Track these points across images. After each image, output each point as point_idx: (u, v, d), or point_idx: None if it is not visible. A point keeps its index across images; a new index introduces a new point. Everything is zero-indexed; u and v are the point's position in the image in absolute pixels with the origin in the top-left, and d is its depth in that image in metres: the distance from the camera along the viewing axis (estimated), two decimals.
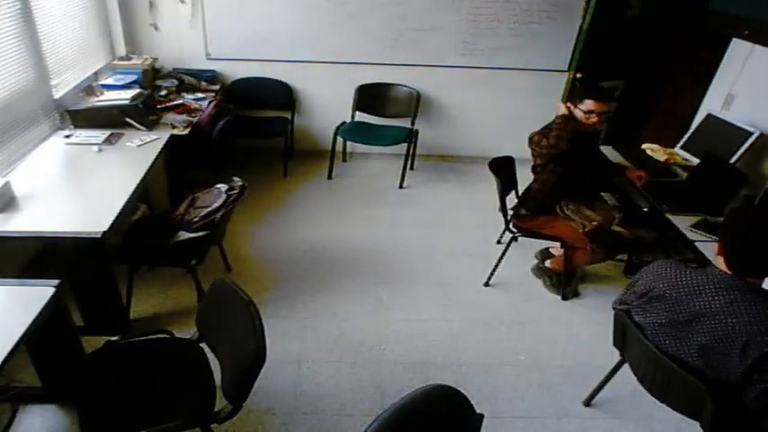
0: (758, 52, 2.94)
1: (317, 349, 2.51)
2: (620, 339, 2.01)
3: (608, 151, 3.17)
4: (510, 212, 2.89)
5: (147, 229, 2.63)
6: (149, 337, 1.91)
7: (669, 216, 2.49)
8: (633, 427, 2.22)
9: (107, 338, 1.88)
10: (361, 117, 4.22)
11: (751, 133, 2.79)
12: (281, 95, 4.14)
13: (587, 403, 2.32)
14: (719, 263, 1.64)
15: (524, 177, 4.37)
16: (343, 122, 4.10)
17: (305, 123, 4.34)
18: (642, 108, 4.17)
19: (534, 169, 2.83)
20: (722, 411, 1.61)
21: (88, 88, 3.20)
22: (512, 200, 3.01)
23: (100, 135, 2.89)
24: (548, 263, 3.05)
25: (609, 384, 2.39)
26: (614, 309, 1.97)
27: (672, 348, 1.71)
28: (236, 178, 2.55)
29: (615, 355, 2.57)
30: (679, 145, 3.17)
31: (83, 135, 2.90)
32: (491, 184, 4.22)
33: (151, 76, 3.64)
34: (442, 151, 4.55)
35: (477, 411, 1.42)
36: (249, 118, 4.13)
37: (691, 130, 3.18)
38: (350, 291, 2.91)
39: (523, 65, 4.11)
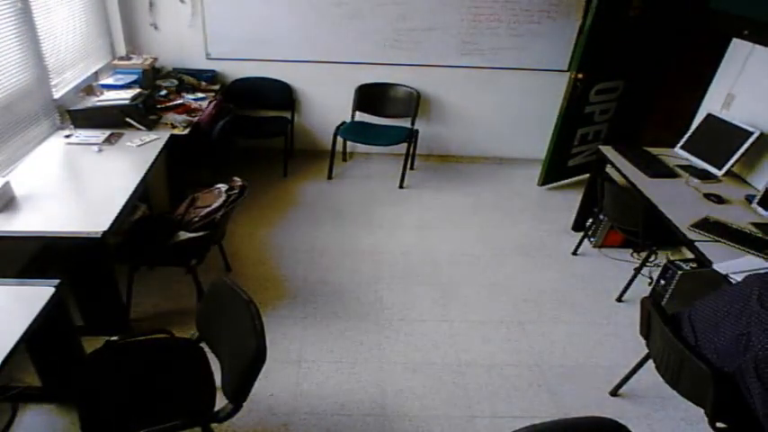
0: (758, 52, 2.93)
1: (316, 349, 2.51)
2: (646, 327, 2.05)
3: (608, 151, 3.18)
4: None
5: (147, 229, 2.63)
6: (149, 337, 1.91)
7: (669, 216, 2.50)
8: (633, 426, 2.22)
9: (107, 338, 1.88)
10: (361, 117, 4.22)
11: (751, 133, 2.79)
12: (281, 95, 4.14)
13: (614, 393, 2.35)
14: None
15: (521, 178, 4.37)
16: (343, 122, 4.10)
17: (305, 123, 4.34)
18: (642, 108, 4.17)
19: None
20: (725, 398, 1.66)
21: (88, 88, 3.20)
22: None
23: (100, 135, 2.90)
24: None
25: (609, 386, 2.40)
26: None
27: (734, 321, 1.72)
28: (236, 178, 2.56)
29: (616, 356, 2.58)
30: (679, 145, 3.17)
31: (83, 135, 2.90)
32: (491, 183, 4.25)
33: (151, 76, 3.64)
34: (442, 151, 4.55)
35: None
36: (249, 118, 4.13)
37: (691, 131, 3.18)
38: (350, 291, 2.91)
39: (523, 65, 4.11)
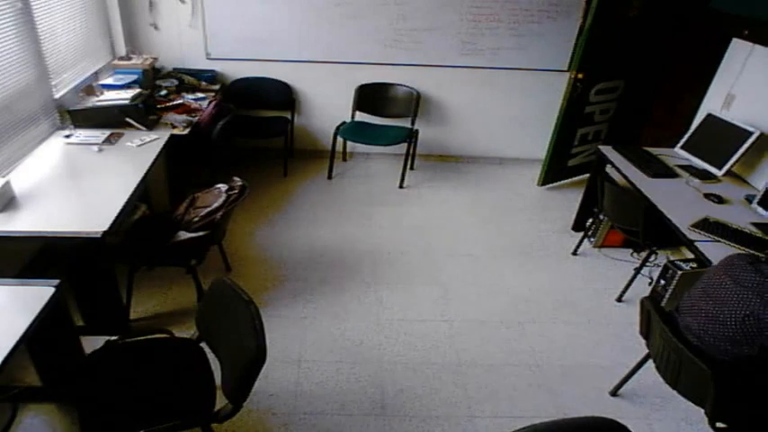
0: (758, 52, 2.94)
1: (316, 349, 2.51)
2: (645, 327, 2.06)
3: (608, 151, 3.17)
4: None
5: (147, 229, 2.63)
6: (149, 337, 1.91)
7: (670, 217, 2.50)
8: (633, 426, 2.22)
9: (107, 338, 1.88)
10: (361, 117, 4.22)
11: (751, 133, 2.80)
12: (281, 95, 4.14)
13: (614, 393, 2.36)
14: None
15: (521, 178, 4.37)
16: (343, 122, 4.10)
17: (305, 123, 4.34)
18: (642, 108, 4.17)
19: None
20: (724, 396, 1.67)
21: (88, 88, 3.20)
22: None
23: (100, 135, 2.89)
24: None
25: (612, 387, 2.40)
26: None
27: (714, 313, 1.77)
28: (236, 178, 2.56)
29: (616, 356, 2.58)
30: (679, 145, 3.17)
31: (83, 135, 2.90)
32: (490, 183, 4.25)
33: (151, 76, 3.64)
34: (442, 151, 4.55)
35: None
36: (249, 118, 4.13)
37: (691, 130, 3.18)
38: (350, 291, 2.91)
39: (523, 65, 4.11)
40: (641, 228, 2.75)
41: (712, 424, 1.76)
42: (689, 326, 1.85)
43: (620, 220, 2.98)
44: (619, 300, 2.97)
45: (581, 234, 3.44)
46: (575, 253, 3.37)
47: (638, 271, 2.98)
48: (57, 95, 2.97)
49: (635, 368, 2.28)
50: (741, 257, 1.80)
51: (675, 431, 2.22)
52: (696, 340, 1.81)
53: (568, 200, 3.98)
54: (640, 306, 2.06)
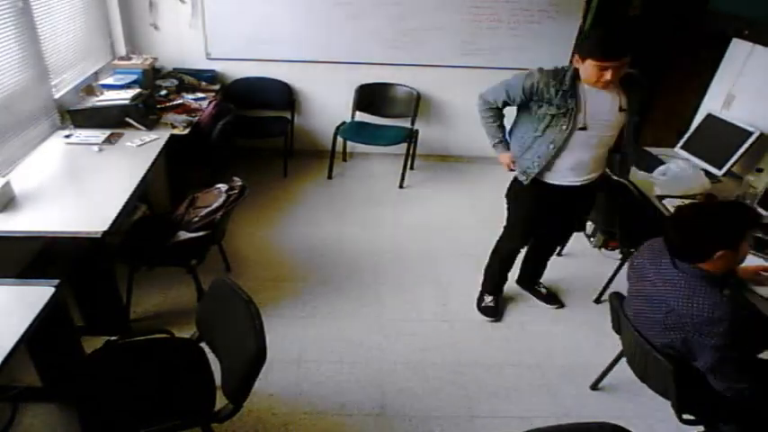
0: (758, 52, 2.94)
1: (317, 349, 2.51)
2: (616, 323, 2.07)
3: None
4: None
5: (147, 229, 2.63)
6: (149, 337, 1.92)
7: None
8: (633, 426, 2.21)
9: (107, 338, 1.88)
10: (361, 117, 4.22)
11: (751, 133, 2.80)
12: (281, 95, 4.14)
13: (594, 387, 2.39)
14: None
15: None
16: (343, 122, 4.10)
17: (305, 123, 4.34)
18: (642, 108, 4.16)
19: None
20: (686, 390, 1.71)
21: (88, 88, 3.20)
22: None
23: (100, 135, 2.89)
24: None
25: (609, 385, 2.40)
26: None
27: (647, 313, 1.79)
28: (236, 178, 2.56)
29: (615, 355, 2.58)
30: (679, 145, 3.17)
31: (83, 135, 2.90)
32: (491, 183, 4.24)
33: (151, 76, 3.64)
34: (442, 151, 4.55)
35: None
36: (249, 118, 4.13)
37: (691, 130, 3.18)
38: (350, 291, 2.91)
39: (524, 65, 4.08)
40: (618, 227, 2.72)
41: (679, 416, 1.80)
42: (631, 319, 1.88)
43: (598, 221, 2.96)
44: None
45: (581, 234, 3.44)
46: (574, 253, 3.36)
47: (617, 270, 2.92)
48: (57, 95, 2.97)
49: (611, 364, 2.31)
50: (662, 246, 1.75)
51: (676, 431, 2.21)
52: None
53: None
54: (610, 302, 2.07)
